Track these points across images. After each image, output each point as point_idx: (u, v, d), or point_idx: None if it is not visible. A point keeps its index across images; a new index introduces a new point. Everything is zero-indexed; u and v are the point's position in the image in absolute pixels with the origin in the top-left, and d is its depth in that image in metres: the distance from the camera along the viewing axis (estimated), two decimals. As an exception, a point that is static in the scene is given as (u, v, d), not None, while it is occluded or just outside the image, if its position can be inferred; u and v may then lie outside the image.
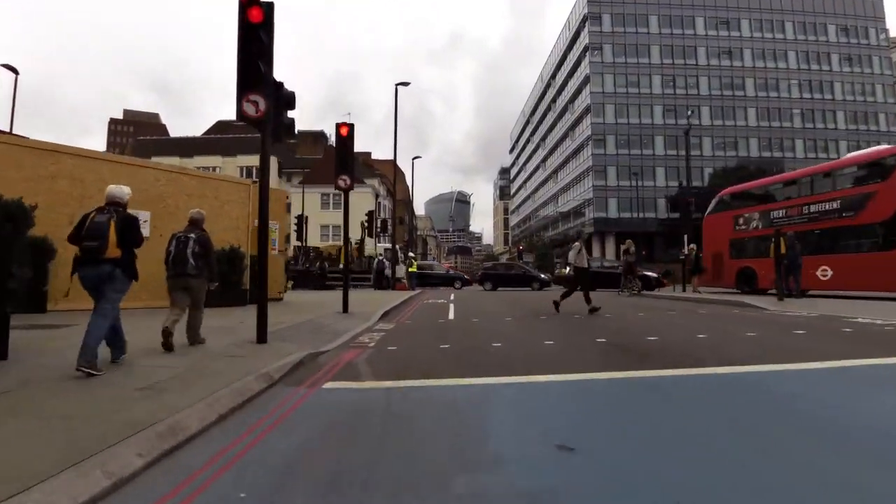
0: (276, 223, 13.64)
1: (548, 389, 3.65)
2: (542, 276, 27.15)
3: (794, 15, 61.04)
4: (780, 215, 15.19)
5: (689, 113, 31.60)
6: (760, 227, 15.63)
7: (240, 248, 11.51)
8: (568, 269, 22.95)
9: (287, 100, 5.99)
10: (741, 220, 16.36)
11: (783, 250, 10.92)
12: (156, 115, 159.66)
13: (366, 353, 5.49)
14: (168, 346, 4.93)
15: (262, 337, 5.59)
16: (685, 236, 27.97)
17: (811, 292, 14.14)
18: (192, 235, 5.45)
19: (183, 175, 11.18)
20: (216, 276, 5.68)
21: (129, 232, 4.11)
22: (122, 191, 4.34)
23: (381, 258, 26.35)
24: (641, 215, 54.07)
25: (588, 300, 9.81)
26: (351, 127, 9.66)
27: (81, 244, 4.02)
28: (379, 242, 34.82)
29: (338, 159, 9.61)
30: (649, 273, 20.48)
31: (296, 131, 6.18)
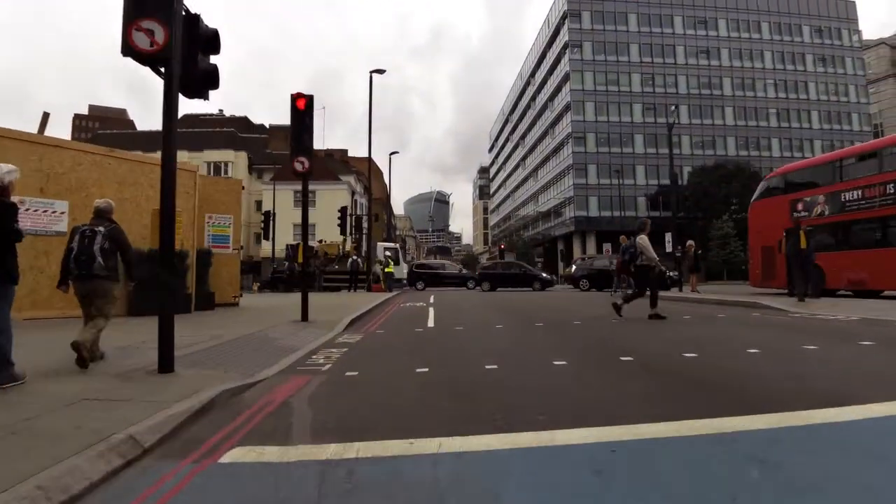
0: (230, 216, 11.97)
1: (585, 460, 2.21)
2: (544, 275, 25.82)
3: (769, 15, 61.37)
4: (855, 197, 12.57)
5: (673, 108, 30.79)
6: (827, 212, 13.13)
7: (182, 245, 9.81)
8: (574, 267, 20.97)
9: (207, 39, 4.43)
10: (800, 206, 13.71)
11: (803, 245, 9.76)
12: (123, 111, 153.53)
13: (312, 385, 3.97)
14: (82, 362, 4.10)
15: (165, 364, 4.02)
16: (667, 234, 27.20)
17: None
18: (101, 229, 4.52)
19: (111, 158, 9.42)
20: (134, 274, 4.81)
21: None
22: (1, 169, 3.48)
23: (354, 258, 24.67)
24: (622, 214, 53.46)
25: (654, 303, 8.34)
26: (309, 99, 8.12)
27: None
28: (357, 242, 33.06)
29: (293, 137, 8.06)
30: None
31: (219, 83, 4.62)
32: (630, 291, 14.96)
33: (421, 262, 38.91)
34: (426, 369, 4.44)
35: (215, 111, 61.31)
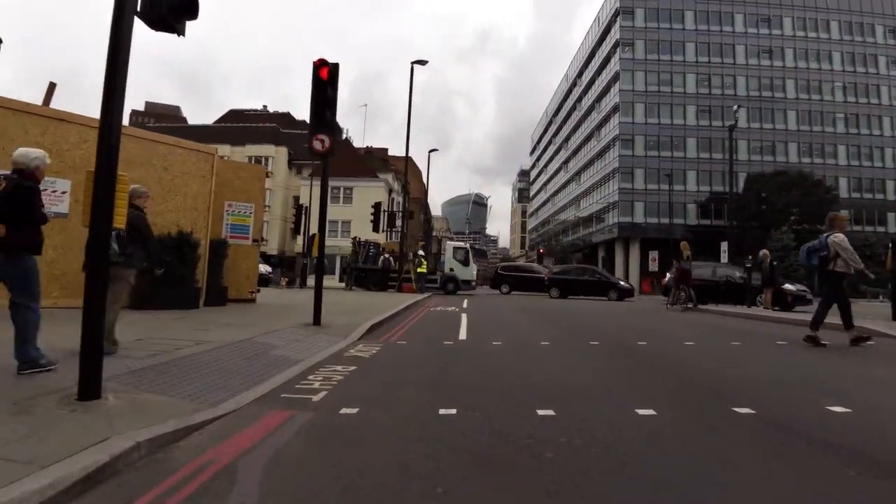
0: (251, 205, 11.04)
1: None
2: (622, 283, 23.58)
3: (840, 14, 56.94)
4: None
5: (736, 108, 28.25)
6: None
7: (192, 233, 8.90)
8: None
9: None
10: None
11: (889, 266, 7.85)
12: (177, 108, 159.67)
13: (288, 431, 2.75)
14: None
15: (87, 387, 2.88)
16: (723, 244, 24.82)
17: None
18: None
19: (121, 135, 8.57)
20: (157, 261, 4.90)
21: (11, 202, 3.39)
22: (29, 155, 3.60)
23: (386, 256, 23.65)
24: (670, 221, 50.56)
25: (849, 323, 6.68)
26: (333, 68, 6.99)
27: None
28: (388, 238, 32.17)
29: (313, 112, 6.94)
30: (790, 287, 15.30)
31: (198, 11, 3.50)
32: (690, 304, 13.24)
33: (508, 263, 35.76)
34: (453, 411, 3.15)
35: (260, 107, 62.26)
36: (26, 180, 3.52)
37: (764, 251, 13.54)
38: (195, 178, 9.46)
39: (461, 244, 26.30)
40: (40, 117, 7.90)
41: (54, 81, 8.32)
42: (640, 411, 3.16)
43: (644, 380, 4.31)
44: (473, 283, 24.39)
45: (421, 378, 4.26)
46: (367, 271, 23.50)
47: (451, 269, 23.45)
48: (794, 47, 56.67)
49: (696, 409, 3.26)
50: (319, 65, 6.95)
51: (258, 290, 11.45)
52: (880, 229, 51.29)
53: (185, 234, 8.72)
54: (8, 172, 3.59)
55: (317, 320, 7.20)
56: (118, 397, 3.07)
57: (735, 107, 28.65)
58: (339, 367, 4.59)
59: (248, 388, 3.59)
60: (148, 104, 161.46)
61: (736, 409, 3.22)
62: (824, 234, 6.68)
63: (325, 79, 6.98)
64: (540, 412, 3.14)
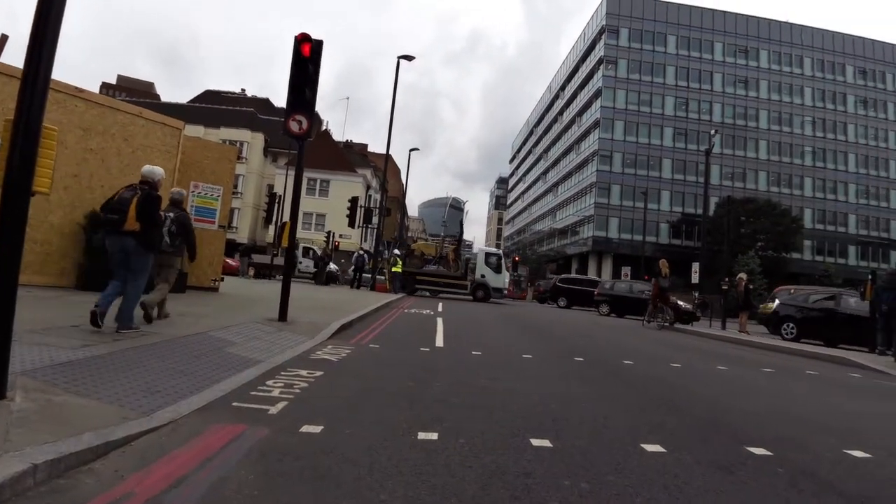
0: (220, 188, 10.35)
1: None
2: (680, 303, 18.50)
3: (813, 52, 59.23)
4: None
5: (713, 132, 28.75)
6: None
7: (151, 212, 8.17)
8: (776, 302, 13.16)
9: None
10: None
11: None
12: (151, 84, 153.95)
13: (233, 455, 2.24)
14: (148, 319, 5.02)
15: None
16: (694, 264, 25.12)
17: None
18: (171, 214, 5.36)
19: (78, 99, 7.80)
20: (193, 256, 5.60)
21: (147, 208, 4.43)
22: (155, 172, 4.75)
23: (360, 253, 23.01)
24: (643, 238, 51.43)
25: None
26: (317, 45, 6.46)
27: (104, 216, 4.56)
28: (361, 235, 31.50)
29: (292, 90, 6.39)
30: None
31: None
32: (667, 322, 13.10)
33: (565, 276, 32.55)
34: (434, 436, 2.69)
35: (238, 90, 60.44)
36: (153, 190, 4.62)
37: (741, 275, 13.58)
38: (158, 153, 8.72)
39: (494, 249, 24.70)
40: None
41: (6, 34, 7.50)
42: (647, 447, 2.78)
43: (639, 406, 3.96)
44: (505, 291, 22.91)
45: (396, 390, 3.79)
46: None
47: (483, 276, 21.95)
48: (769, 80, 58.62)
49: (707, 447, 2.89)
50: (302, 39, 6.42)
51: (221, 279, 10.72)
52: (841, 261, 53.38)
53: (143, 213, 7.99)
54: (138, 184, 4.64)
55: (283, 316, 6.63)
56: (28, 398, 2.50)
57: (713, 131, 29.18)
58: (303, 372, 4.08)
59: (193, 394, 3.06)
60: (121, 77, 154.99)
61: (750, 449, 2.87)
62: None
63: (306, 55, 6.45)
64: (534, 442, 2.71)
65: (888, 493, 2.38)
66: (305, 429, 2.66)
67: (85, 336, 4.07)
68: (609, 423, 3.26)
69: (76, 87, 7.89)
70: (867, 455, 2.94)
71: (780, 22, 59.77)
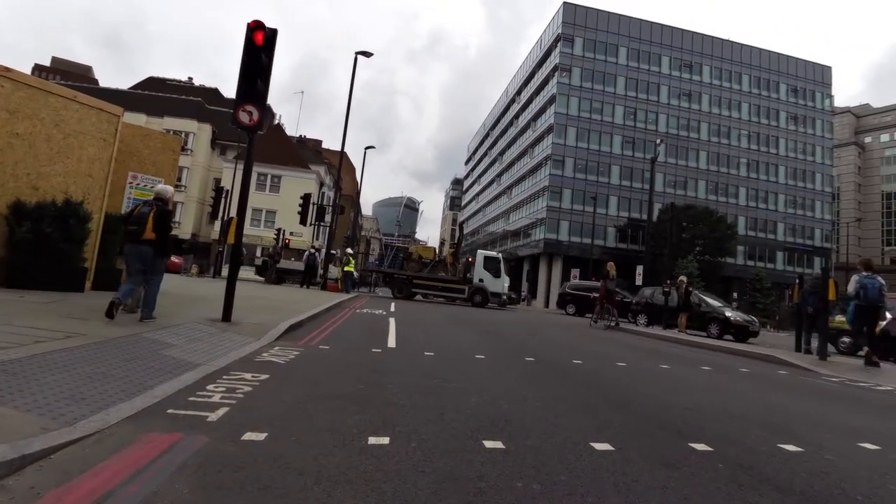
0: (161, 179, 9.77)
1: None
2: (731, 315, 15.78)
3: (751, 69, 63.13)
4: None
5: (658, 142, 30.03)
6: None
7: (83, 203, 7.62)
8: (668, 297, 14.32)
9: None
10: None
11: (833, 295, 8.50)
12: (89, 68, 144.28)
13: (167, 467, 2.08)
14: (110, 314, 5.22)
15: None
16: (639, 267, 26.20)
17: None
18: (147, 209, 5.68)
19: (4, 79, 7.14)
20: (167, 250, 5.81)
21: (162, 222, 5.51)
22: (167, 190, 5.87)
23: (312, 251, 22.46)
24: (591, 241, 53.11)
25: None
26: (270, 34, 6.22)
27: (126, 227, 5.56)
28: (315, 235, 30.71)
29: (244, 79, 6.12)
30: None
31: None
32: (613, 322, 13.55)
33: (574, 282, 31.32)
34: (385, 440, 2.62)
35: (185, 78, 57.72)
36: (166, 206, 5.67)
37: (682, 277, 14.24)
38: (93, 140, 8.15)
39: (493, 253, 24.10)
40: None
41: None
42: (596, 446, 2.82)
43: (589, 404, 4.03)
44: (504, 297, 22.42)
45: (346, 393, 3.68)
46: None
47: (481, 280, 21.48)
48: (710, 94, 61.97)
49: (653, 444, 2.97)
50: (255, 27, 6.16)
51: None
52: (770, 265, 57.13)
53: (74, 204, 7.44)
54: (151, 199, 5.75)
55: (227, 316, 6.33)
56: (-73, 408, 2.23)
57: (658, 140, 30.47)
58: (247, 375, 3.89)
59: (124, 400, 2.84)
60: (55, 59, 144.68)
61: (693, 445, 2.98)
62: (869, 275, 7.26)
63: (259, 44, 6.19)
64: (487, 444, 2.69)
65: (820, 484, 2.51)
66: (248, 436, 2.52)
67: (31, 333, 3.70)
68: (560, 423, 3.29)
69: (3, 67, 7.23)
70: (799, 449, 3.11)
71: (723, 39, 63.29)
